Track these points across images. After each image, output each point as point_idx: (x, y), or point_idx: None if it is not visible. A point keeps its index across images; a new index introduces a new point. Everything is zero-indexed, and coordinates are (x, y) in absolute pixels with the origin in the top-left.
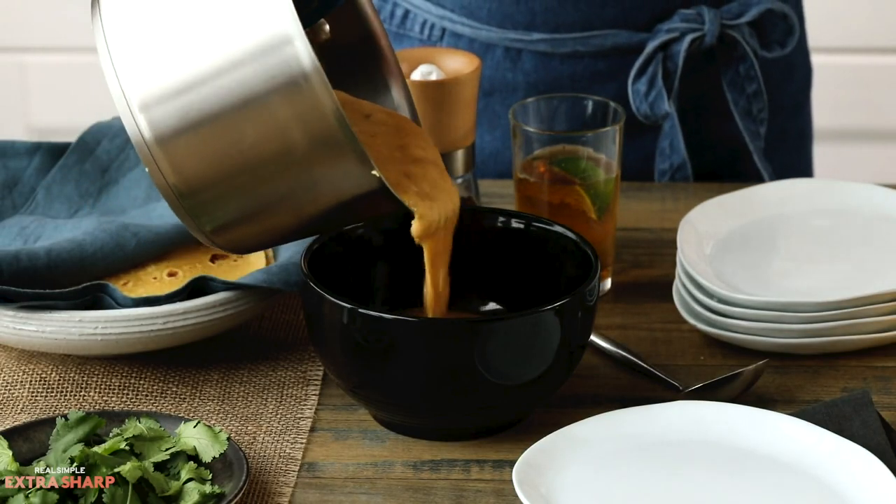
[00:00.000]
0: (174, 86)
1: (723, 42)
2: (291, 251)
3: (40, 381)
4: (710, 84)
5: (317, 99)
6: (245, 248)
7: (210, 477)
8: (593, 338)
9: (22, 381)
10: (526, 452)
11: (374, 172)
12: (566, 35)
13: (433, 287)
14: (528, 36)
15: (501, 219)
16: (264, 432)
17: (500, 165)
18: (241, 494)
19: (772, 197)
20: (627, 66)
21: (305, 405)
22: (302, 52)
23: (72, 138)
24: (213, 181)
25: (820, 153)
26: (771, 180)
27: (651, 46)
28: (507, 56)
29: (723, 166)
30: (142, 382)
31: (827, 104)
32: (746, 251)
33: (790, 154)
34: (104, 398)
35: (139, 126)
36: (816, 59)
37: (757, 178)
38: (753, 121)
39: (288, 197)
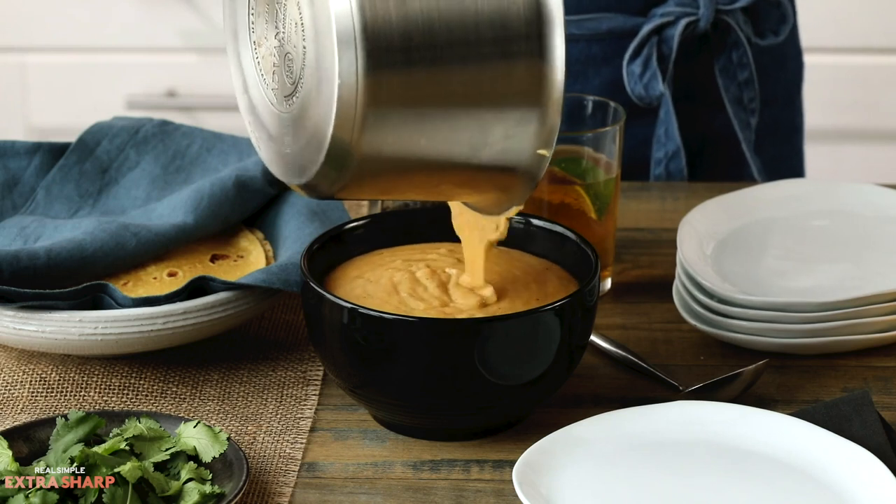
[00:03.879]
0: (414, 10)
1: (717, 28)
2: (291, 251)
3: (40, 381)
4: (703, 74)
5: (551, 80)
6: (349, 193)
7: (210, 477)
8: (593, 338)
9: (22, 381)
10: (526, 452)
11: (541, 151)
12: None
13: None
14: None
15: None
16: (264, 432)
17: None
18: (241, 494)
19: (771, 197)
20: (622, 50)
21: (305, 405)
22: (558, 39)
23: (72, 138)
24: (403, 117)
25: (818, 153)
26: (759, 172)
27: (646, 29)
28: None
29: (713, 157)
30: (142, 382)
31: (826, 104)
32: (746, 251)
33: (781, 146)
34: (104, 398)
35: (357, 50)
36: (815, 59)
37: (745, 170)
38: (744, 110)
39: (450, 149)
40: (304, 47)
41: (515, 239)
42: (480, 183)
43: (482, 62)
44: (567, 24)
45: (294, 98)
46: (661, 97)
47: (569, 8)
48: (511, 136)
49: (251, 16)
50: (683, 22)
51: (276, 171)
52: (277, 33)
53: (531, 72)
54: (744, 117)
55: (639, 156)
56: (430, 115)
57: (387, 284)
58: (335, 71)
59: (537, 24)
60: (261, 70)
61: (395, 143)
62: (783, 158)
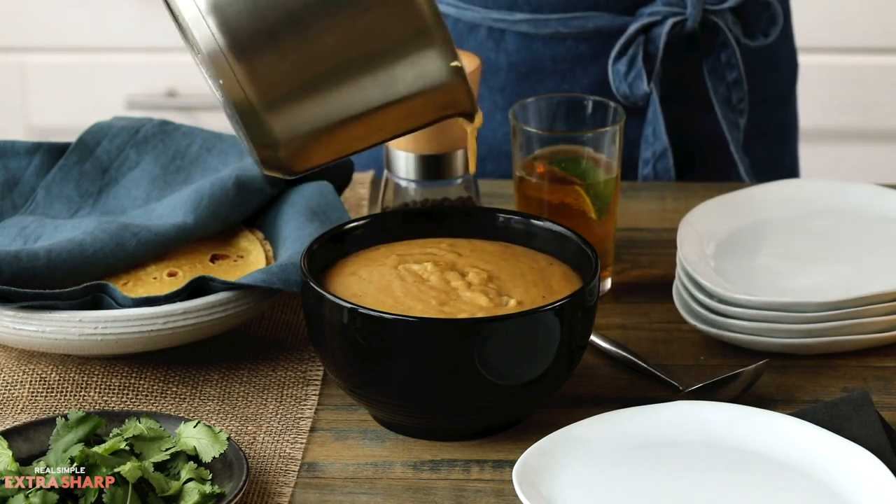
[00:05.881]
0: (271, 14)
1: (705, 28)
2: (291, 251)
3: (40, 381)
4: (691, 74)
5: (421, 4)
6: (303, 162)
7: (210, 477)
8: (593, 338)
9: (22, 381)
10: (526, 452)
11: (454, 63)
12: (548, 16)
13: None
14: (511, 16)
15: (501, 219)
16: (264, 432)
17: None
18: (241, 494)
19: (772, 197)
20: (610, 49)
21: (305, 405)
22: None
23: (72, 138)
24: (294, 86)
25: (817, 153)
26: (747, 173)
27: (632, 28)
28: (490, 36)
29: (702, 157)
30: (142, 382)
31: (825, 104)
32: (746, 251)
33: (772, 147)
34: (104, 398)
35: (211, 30)
36: (814, 59)
37: (735, 170)
38: (732, 110)
39: (365, 99)
40: (198, 51)
41: (517, 238)
42: (420, 111)
43: (348, 15)
44: (554, 22)
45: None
46: (646, 97)
47: (556, 6)
48: (416, 65)
49: (183, 36)
50: (670, 21)
51: (258, 166)
52: (192, 45)
53: (401, 7)
54: (732, 118)
55: (626, 156)
56: (326, 79)
57: (380, 281)
58: (210, 63)
59: None
60: (209, 78)
61: (310, 112)
62: (774, 159)
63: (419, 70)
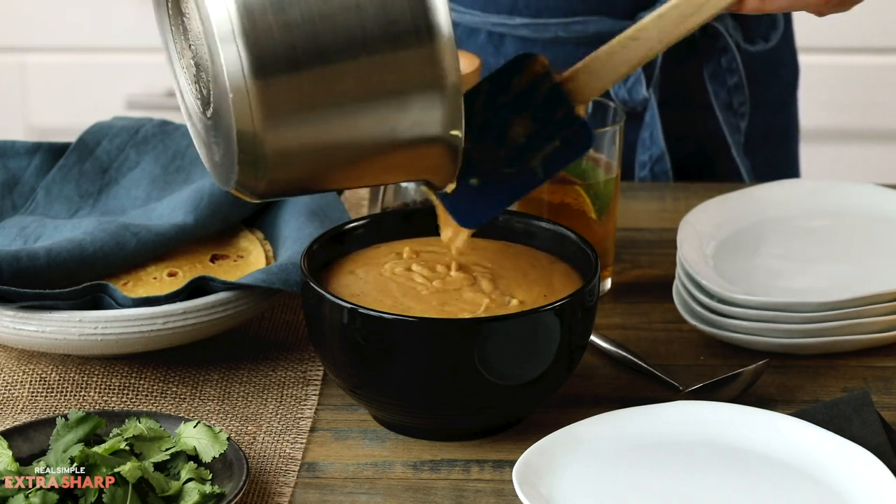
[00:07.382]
0: (295, 18)
1: (705, 33)
2: (291, 251)
3: (40, 381)
4: (692, 78)
5: (445, 64)
6: (277, 191)
7: (210, 477)
8: (593, 338)
9: (22, 381)
10: (526, 452)
11: (454, 132)
12: (548, 20)
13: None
14: (511, 20)
15: (501, 218)
16: (264, 432)
17: None
18: (241, 494)
19: (772, 197)
20: None
21: (305, 405)
22: (444, 23)
23: (72, 138)
24: (300, 114)
25: (817, 153)
26: (749, 176)
27: None
28: (490, 41)
29: (703, 161)
30: (142, 382)
31: (825, 104)
32: (747, 251)
33: (773, 151)
34: (104, 398)
35: (240, 53)
36: (814, 59)
37: (735, 173)
38: (734, 114)
39: (361, 136)
40: (207, 57)
41: (517, 238)
42: (404, 167)
43: (373, 59)
44: (554, 26)
45: (210, 106)
46: (645, 102)
47: (556, 10)
48: (419, 123)
49: (172, 27)
50: None
51: (214, 177)
52: (190, 45)
53: (424, 60)
54: (734, 122)
55: (624, 160)
56: (330, 113)
57: (378, 281)
58: (225, 75)
59: (423, 11)
60: (187, 80)
61: (303, 141)
62: (776, 162)
63: (420, 128)
